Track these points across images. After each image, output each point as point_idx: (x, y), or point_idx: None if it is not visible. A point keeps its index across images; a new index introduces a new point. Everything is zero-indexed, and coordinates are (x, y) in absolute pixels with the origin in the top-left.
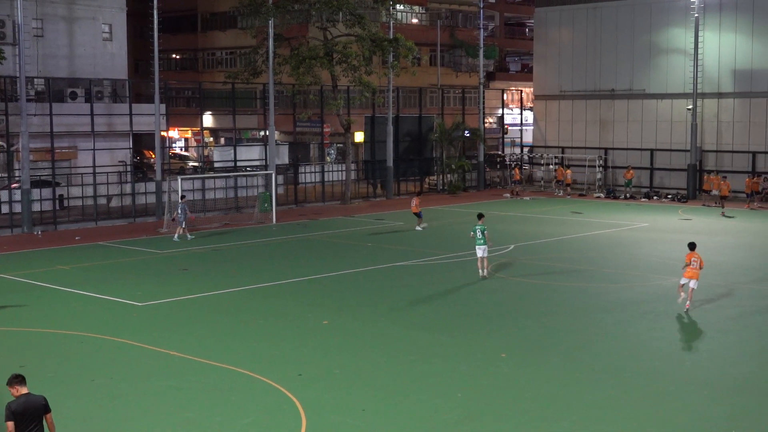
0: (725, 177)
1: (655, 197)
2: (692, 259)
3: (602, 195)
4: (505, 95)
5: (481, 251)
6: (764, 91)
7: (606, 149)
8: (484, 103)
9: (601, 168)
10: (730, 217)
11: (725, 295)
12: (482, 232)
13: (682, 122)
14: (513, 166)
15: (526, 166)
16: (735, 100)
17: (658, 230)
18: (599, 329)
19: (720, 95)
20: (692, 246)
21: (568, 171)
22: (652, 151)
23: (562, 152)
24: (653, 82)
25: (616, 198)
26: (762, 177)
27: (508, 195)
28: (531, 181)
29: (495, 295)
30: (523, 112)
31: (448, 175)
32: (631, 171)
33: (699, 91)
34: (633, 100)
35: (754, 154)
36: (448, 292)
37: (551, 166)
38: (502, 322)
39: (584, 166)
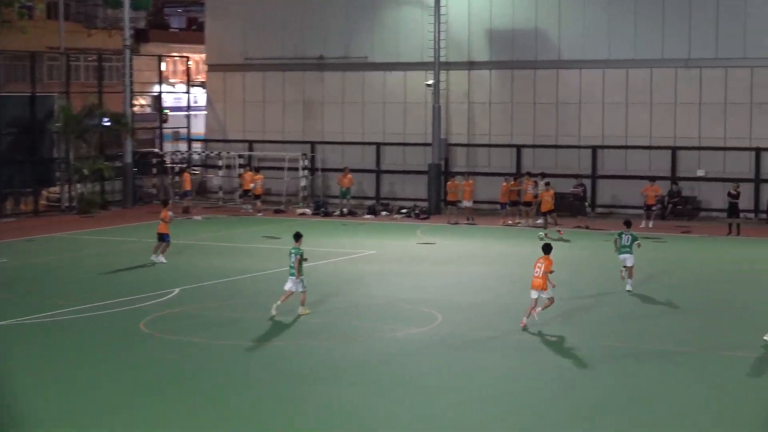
0: (548, 183)
1: (383, 213)
2: (537, 265)
3: (308, 211)
4: (163, 64)
5: (290, 284)
6: (531, 60)
7: (313, 144)
8: (132, 75)
9: (306, 172)
10: (566, 241)
11: (482, 349)
12: (297, 258)
13: (421, 104)
14: (178, 170)
15: (197, 170)
16: (492, 72)
17: (389, 260)
18: (310, 409)
19: (471, 65)
20: (545, 249)
21: (259, 176)
22: (378, 145)
23: (250, 149)
24: (379, 47)
25: (328, 215)
26: (532, 180)
27: (171, 213)
28: (204, 191)
29: (149, 364)
30: (192, 89)
31: (79, 186)
32: (350, 176)
33: (443, 59)
34: (350, 73)
35: (519, 148)
36: (80, 362)
37: (234, 170)
38: (151, 404)
39: (282, 168)
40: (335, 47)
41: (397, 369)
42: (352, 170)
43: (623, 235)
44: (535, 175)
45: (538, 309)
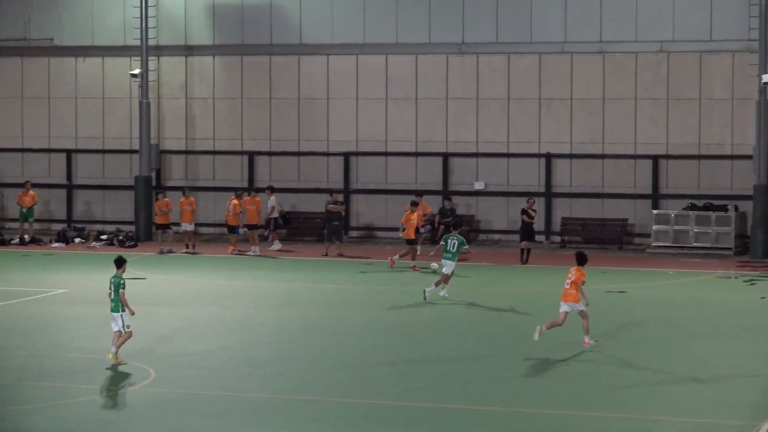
0: (415, 203)
1: (78, 240)
2: (568, 276)
3: None
4: None
5: (115, 322)
6: (265, 44)
7: None
8: None
9: None
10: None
11: None
12: (117, 290)
13: (124, 99)
14: None
15: None
16: (216, 59)
17: (86, 302)
18: None
19: (189, 50)
20: (579, 258)
21: None
22: (69, 153)
23: None
24: (69, 26)
25: (4, 243)
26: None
27: None
28: None
29: None
30: None
31: None
32: (32, 192)
33: (152, 43)
34: (31, 59)
35: (252, 155)
36: None
37: None
38: None
39: None
40: (10, 26)
41: None
42: (36, 185)
43: (449, 240)
44: (261, 190)
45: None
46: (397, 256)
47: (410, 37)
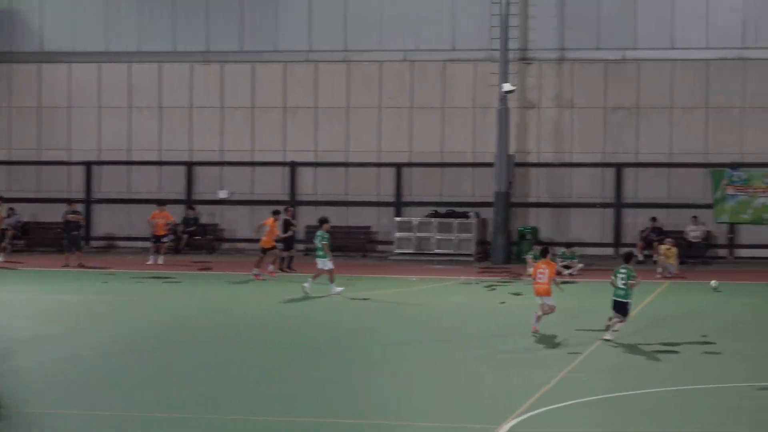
0: (277, 212)
1: None
2: (538, 271)
3: None
4: None
5: None
6: (5, 51)
7: None
8: None
9: None
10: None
11: None
12: None
13: None
14: None
15: None
16: None
17: None
18: None
19: None
20: (543, 251)
21: None
22: None
23: None
24: None
25: None
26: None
27: None
28: None
29: None
30: None
31: None
32: None
33: None
34: None
35: None
36: None
37: None
38: None
39: None
40: None
41: None
42: None
43: (316, 238)
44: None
45: (539, 313)
46: (262, 268)
47: (154, 45)
